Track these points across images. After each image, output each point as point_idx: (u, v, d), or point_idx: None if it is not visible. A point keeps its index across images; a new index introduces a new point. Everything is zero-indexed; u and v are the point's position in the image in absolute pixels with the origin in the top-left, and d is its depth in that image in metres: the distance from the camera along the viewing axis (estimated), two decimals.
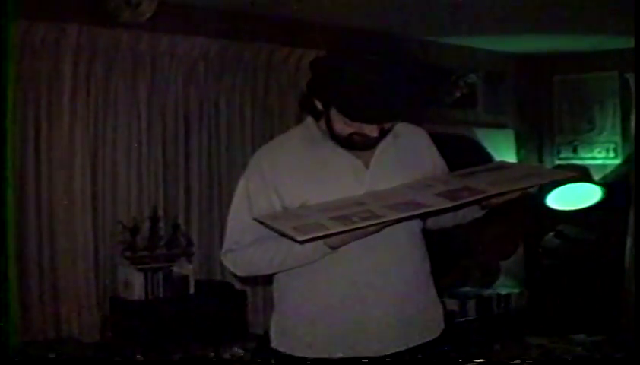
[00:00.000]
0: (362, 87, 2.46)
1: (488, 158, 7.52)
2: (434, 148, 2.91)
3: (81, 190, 5.27)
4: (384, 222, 2.43)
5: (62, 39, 5.15)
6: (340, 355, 2.66)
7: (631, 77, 7.41)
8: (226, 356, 5.09)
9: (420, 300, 2.77)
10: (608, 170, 7.79)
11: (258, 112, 6.13)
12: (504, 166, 2.91)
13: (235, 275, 2.95)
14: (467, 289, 7.42)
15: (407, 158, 2.76)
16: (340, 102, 2.52)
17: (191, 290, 5.50)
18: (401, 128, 2.76)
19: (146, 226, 5.50)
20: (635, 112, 7.04)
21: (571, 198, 7.46)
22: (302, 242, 2.39)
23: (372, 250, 2.61)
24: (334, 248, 2.56)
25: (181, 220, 5.72)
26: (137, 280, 5.29)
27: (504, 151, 7.81)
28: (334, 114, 2.57)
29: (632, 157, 7.56)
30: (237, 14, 5.96)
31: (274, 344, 2.79)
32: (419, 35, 6.82)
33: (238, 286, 5.81)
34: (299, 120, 6.59)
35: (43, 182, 5.14)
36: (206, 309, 5.46)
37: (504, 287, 7.77)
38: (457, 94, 7.52)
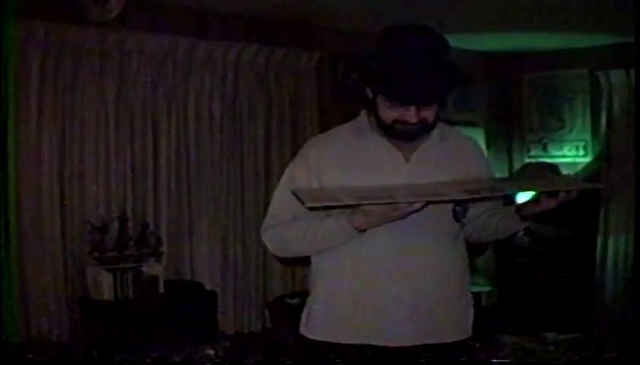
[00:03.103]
0: (402, 69, 2.58)
1: None
2: (484, 160, 3.00)
3: (49, 189, 5.22)
4: (397, 202, 2.50)
5: (29, 37, 5.10)
6: (365, 341, 2.71)
7: (600, 75, 7.45)
8: (198, 356, 5.06)
9: (452, 294, 2.81)
10: (578, 168, 7.83)
11: (227, 111, 6.11)
12: (542, 176, 2.92)
13: (276, 257, 3.12)
14: None
15: (450, 161, 2.81)
16: (382, 84, 2.64)
17: (161, 290, 5.48)
18: (451, 133, 2.88)
19: (114, 226, 5.46)
20: (635, 108, 7.08)
21: None
22: (310, 209, 2.53)
23: (402, 235, 2.67)
24: (360, 230, 2.64)
25: (150, 220, 5.68)
26: (107, 280, 5.25)
27: None
28: (380, 100, 2.67)
29: (602, 154, 7.60)
30: (206, 11, 5.94)
31: (302, 330, 2.87)
32: None
33: (208, 286, 5.79)
34: (268, 117, 6.61)
35: (10, 181, 5.07)
36: (176, 310, 5.43)
37: (475, 285, 7.75)
38: None
